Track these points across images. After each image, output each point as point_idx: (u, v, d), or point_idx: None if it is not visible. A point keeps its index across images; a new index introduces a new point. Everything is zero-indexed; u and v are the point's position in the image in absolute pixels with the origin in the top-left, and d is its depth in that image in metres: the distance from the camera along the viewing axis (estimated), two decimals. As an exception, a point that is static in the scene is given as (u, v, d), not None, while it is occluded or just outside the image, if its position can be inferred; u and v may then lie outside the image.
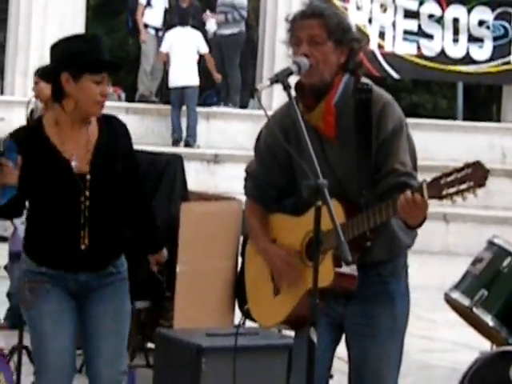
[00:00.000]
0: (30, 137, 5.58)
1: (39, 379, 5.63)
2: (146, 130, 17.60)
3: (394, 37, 19.10)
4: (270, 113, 5.25)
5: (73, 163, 5.43)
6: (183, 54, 18.69)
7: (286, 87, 4.78)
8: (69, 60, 5.39)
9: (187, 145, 17.88)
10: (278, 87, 4.71)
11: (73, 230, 5.48)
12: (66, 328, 5.54)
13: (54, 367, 5.49)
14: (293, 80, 4.98)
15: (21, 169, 5.42)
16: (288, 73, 4.91)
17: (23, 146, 5.45)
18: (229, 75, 19.27)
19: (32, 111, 9.99)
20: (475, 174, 4.59)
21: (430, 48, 19.10)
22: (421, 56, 19.18)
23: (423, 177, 4.80)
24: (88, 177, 5.43)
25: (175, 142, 17.42)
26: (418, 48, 19.13)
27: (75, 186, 5.46)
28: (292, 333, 5.56)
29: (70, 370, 5.60)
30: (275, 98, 12.86)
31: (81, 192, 5.46)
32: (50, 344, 5.50)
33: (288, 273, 5.18)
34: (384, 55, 19.05)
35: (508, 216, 14.62)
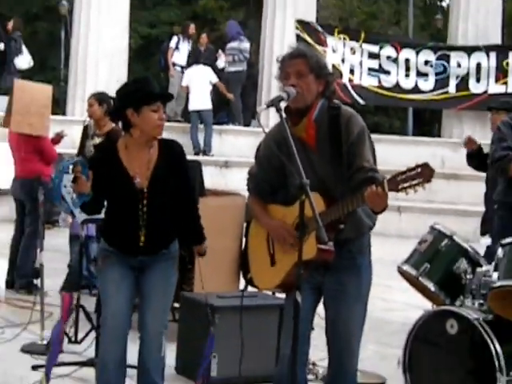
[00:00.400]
0: (107, 157, 5.75)
1: (102, 327, 5.78)
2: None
3: (360, 73, 19.14)
4: (267, 130, 5.34)
5: (136, 180, 5.53)
6: (199, 85, 18.69)
7: (278, 110, 4.91)
8: (130, 98, 5.48)
9: (204, 154, 17.87)
10: (273, 110, 4.81)
11: (133, 230, 5.61)
12: (124, 292, 5.65)
13: (111, 322, 5.60)
14: (283, 104, 5.03)
15: (92, 181, 5.66)
16: (280, 99, 5.00)
17: (100, 164, 5.75)
18: (232, 102, 19.27)
19: (86, 127, 9.92)
20: (424, 173, 4.72)
21: (388, 81, 19.13)
22: (381, 87, 19.20)
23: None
24: (145, 190, 5.52)
25: (196, 152, 17.43)
26: (379, 81, 19.15)
27: (135, 198, 5.60)
28: (283, 295, 5.55)
29: (124, 326, 5.68)
30: (271, 119, 12.82)
31: (139, 202, 5.58)
32: (110, 302, 5.65)
33: (286, 236, 5.24)
34: (353, 86, 19.10)
35: (445, 208, 14.71)
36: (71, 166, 6.12)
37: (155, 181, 5.60)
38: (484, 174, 9.29)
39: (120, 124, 5.86)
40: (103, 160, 5.81)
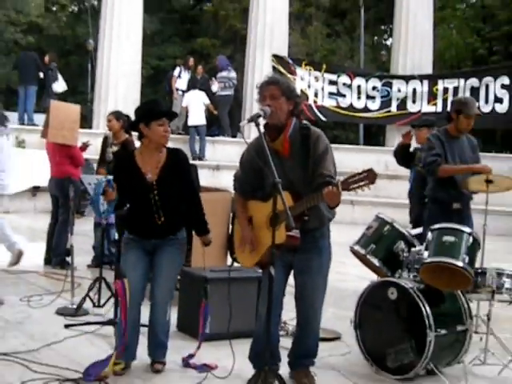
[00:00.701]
0: (125, 162, 6.00)
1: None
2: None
3: (322, 96, 19.16)
4: (248, 140, 5.39)
5: (147, 175, 5.70)
6: (196, 105, 18.72)
7: (257, 124, 5.04)
8: (142, 116, 5.68)
9: (200, 159, 17.92)
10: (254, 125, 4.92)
11: (148, 215, 5.76)
12: (139, 270, 5.81)
13: (131, 292, 5.66)
14: (262, 122, 5.17)
15: (115, 182, 5.93)
16: (258, 116, 5.14)
17: (120, 170, 6.02)
18: (222, 119, 19.32)
19: (106, 138, 10.02)
20: (369, 176, 4.86)
21: (344, 102, 19.17)
22: (338, 107, 19.23)
23: (340, 178, 4.94)
24: (154, 183, 5.66)
25: (193, 158, 17.42)
26: (337, 102, 19.20)
27: (147, 189, 5.76)
28: (260, 270, 5.59)
29: (139, 295, 5.78)
30: (252, 132, 12.78)
31: (150, 192, 5.74)
32: (128, 277, 5.72)
33: (249, 241, 5.46)
34: (317, 107, 19.14)
35: (388, 201, 14.74)
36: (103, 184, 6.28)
37: (162, 176, 5.76)
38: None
39: (132, 135, 6.08)
40: (122, 166, 6.05)
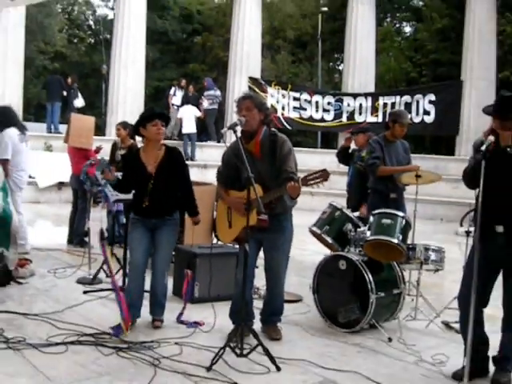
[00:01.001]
0: (132, 158, 5.97)
1: (129, 268, 5.92)
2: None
3: (288, 110, 19.19)
4: (228, 144, 5.39)
5: (148, 167, 5.64)
6: (188, 118, 18.77)
7: (234, 131, 5.11)
8: (140, 121, 5.71)
9: (191, 160, 17.88)
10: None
11: (140, 199, 5.76)
12: (143, 245, 5.74)
13: (136, 263, 5.68)
14: (239, 129, 5.12)
15: (123, 171, 6.04)
16: (235, 125, 5.21)
17: (127, 162, 6.10)
18: (209, 127, 19.25)
19: (115, 143, 10.08)
20: (324, 175, 4.93)
21: (305, 114, 19.19)
22: (301, 118, 19.24)
23: (301, 175, 5.02)
24: (153, 174, 5.63)
25: (186, 159, 17.30)
26: (300, 115, 19.20)
27: (147, 178, 5.73)
28: (237, 246, 5.59)
29: (143, 266, 5.75)
30: (233, 138, 12.71)
31: (148, 180, 5.73)
32: (134, 251, 5.71)
33: (239, 206, 5.27)
34: (284, 118, 19.14)
35: (340, 193, 14.60)
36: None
37: (160, 168, 5.72)
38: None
39: (136, 140, 6.10)
40: (129, 160, 6.12)
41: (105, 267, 7.64)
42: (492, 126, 4.63)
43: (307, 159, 15.64)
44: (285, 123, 19.19)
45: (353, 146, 9.52)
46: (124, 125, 9.77)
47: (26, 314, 5.92)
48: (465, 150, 17.23)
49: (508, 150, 4.51)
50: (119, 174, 6.06)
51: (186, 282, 6.12)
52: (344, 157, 9.66)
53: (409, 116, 7.78)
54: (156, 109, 6.16)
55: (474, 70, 17.90)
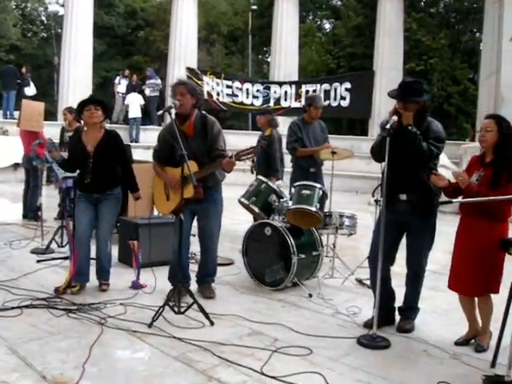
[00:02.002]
0: (76, 138, 5.80)
1: (75, 238, 5.67)
2: (119, 136, 17.40)
3: (223, 96, 18.94)
4: (163, 125, 5.31)
5: (88, 147, 5.53)
6: (134, 104, 18.54)
7: (169, 114, 5.03)
8: (78, 109, 5.69)
9: (136, 142, 17.66)
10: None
11: (85, 176, 5.57)
12: (87, 217, 5.62)
13: (80, 233, 5.56)
14: (174, 111, 4.99)
15: (68, 152, 6.00)
16: (170, 107, 5.12)
17: (73, 142, 5.89)
18: (151, 113, 18.89)
19: (63, 127, 9.97)
20: (253, 151, 5.14)
21: (237, 100, 19.03)
22: (233, 102, 19.01)
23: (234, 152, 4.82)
24: (92, 153, 5.52)
25: (131, 141, 17.16)
26: (233, 100, 19.00)
27: (86, 156, 5.57)
28: (174, 217, 5.55)
29: (88, 235, 5.65)
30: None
31: (88, 159, 5.56)
32: (78, 224, 5.56)
33: (173, 183, 5.30)
34: (220, 102, 18.87)
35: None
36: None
37: (97, 148, 5.61)
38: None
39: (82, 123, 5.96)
40: (72, 141, 5.95)
41: (56, 238, 7.53)
42: (395, 107, 4.68)
43: (240, 140, 15.54)
44: (221, 106, 19.10)
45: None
46: (70, 110, 9.62)
47: (-18, 282, 5.75)
48: (377, 131, 17.38)
49: (409, 128, 4.57)
50: (66, 154, 5.94)
51: (136, 251, 5.95)
52: None
53: (322, 100, 7.80)
54: (89, 97, 6.03)
55: (384, 62, 18.27)
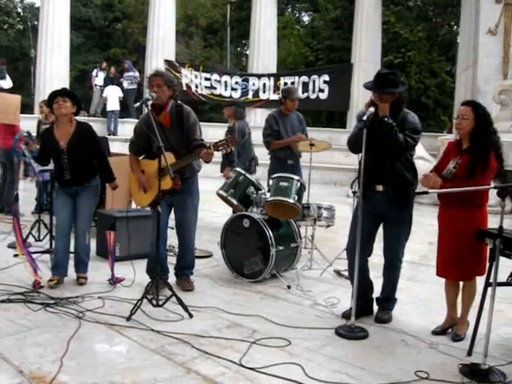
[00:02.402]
0: (48, 133, 5.68)
1: (55, 229, 5.71)
2: (97, 129, 17.24)
3: (201, 88, 18.92)
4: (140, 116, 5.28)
5: (60, 142, 5.42)
6: (112, 97, 18.38)
7: (146, 105, 4.96)
8: (48, 103, 5.72)
9: (114, 134, 17.54)
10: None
11: (61, 172, 5.55)
12: (66, 210, 5.59)
13: (60, 226, 5.57)
14: (150, 103, 4.97)
15: (40, 146, 5.90)
16: (147, 99, 5.07)
17: (45, 137, 5.74)
18: (129, 106, 18.75)
19: (39, 119, 9.84)
20: (231, 141, 4.89)
21: (215, 92, 19.00)
22: (212, 94, 19.03)
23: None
24: (65, 149, 5.45)
25: (109, 134, 17.04)
26: (211, 92, 18.98)
27: (60, 152, 5.50)
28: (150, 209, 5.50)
29: (67, 228, 5.63)
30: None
31: (62, 155, 5.49)
32: (58, 216, 5.58)
33: (144, 183, 5.34)
34: (199, 94, 18.89)
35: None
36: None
37: (70, 143, 5.52)
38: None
39: None
40: (44, 136, 5.79)
41: (34, 232, 7.46)
42: (372, 99, 4.69)
43: (219, 132, 15.37)
44: (201, 97, 19.09)
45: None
46: (45, 102, 9.43)
47: (-43, 277, 5.67)
48: (355, 123, 17.51)
49: (385, 119, 4.59)
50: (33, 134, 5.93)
51: (111, 242, 5.87)
52: None
53: (298, 92, 7.81)
54: (61, 90, 5.84)
55: (362, 55, 18.25)
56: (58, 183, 5.71)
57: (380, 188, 4.80)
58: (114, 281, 5.71)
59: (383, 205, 4.79)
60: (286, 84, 18.32)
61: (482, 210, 4.46)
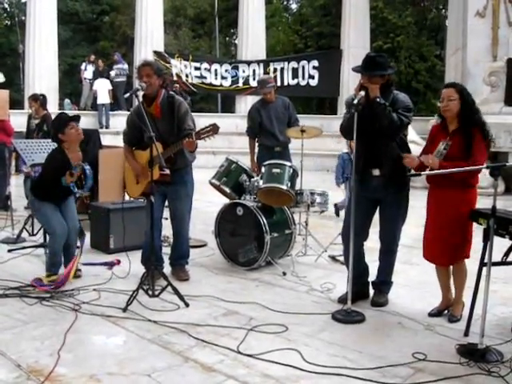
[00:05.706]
0: (62, 154, 5.34)
1: (56, 237, 5.42)
2: (88, 122, 17.13)
3: (191, 77, 18.86)
4: (131, 109, 5.26)
5: (72, 162, 5.35)
6: (102, 90, 18.32)
7: (136, 96, 4.91)
8: (57, 128, 5.39)
9: (106, 128, 17.45)
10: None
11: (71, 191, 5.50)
12: (58, 214, 5.43)
13: (61, 231, 5.49)
14: (141, 93, 4.94)
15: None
16: (137, 90, 5.03)
17: (58, 164, 5.37)
18: (119, 98, 18.66)
19: (30, 115, 9.71)
20: (213, 129, 4.84)
21: (205, 82, 18.97)
22: (202, 83, 18.96)
23: None
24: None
25: (100, 127, 16.97)
26: (201, 82, 18.93)
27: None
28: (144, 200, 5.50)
29: (65, 229, 5.53)
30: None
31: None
32: (53, 221, 5.44)
33: (139, 171, 5.30)
34: (190, 83, 18.81)
35: (238, 151, 14.65)
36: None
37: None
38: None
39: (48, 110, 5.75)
40: (59, 161, 5.37)
41: (27, 227, 7.42)
42: (361, 82, 4.67)
43: (210, 122, 15.50)
44: (191, 87, 19.01)
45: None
46: (34, 97, 9.50)
47: (-48, 273, 5.64)
48: (344, 110, 17.56)
49: (377, 100, 4.56)
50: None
51: (72, 263, 5.51)
52: None
53: (272, 80, 7.79)
54: (65, 114, 5.67)
55: (351, 41, 18.27)
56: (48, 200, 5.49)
57: (376, 172, 4.76)
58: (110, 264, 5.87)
59: (380, 189, 4.76)
60: (275, 70, 18.34)
61: (472, 191, 4.45)
